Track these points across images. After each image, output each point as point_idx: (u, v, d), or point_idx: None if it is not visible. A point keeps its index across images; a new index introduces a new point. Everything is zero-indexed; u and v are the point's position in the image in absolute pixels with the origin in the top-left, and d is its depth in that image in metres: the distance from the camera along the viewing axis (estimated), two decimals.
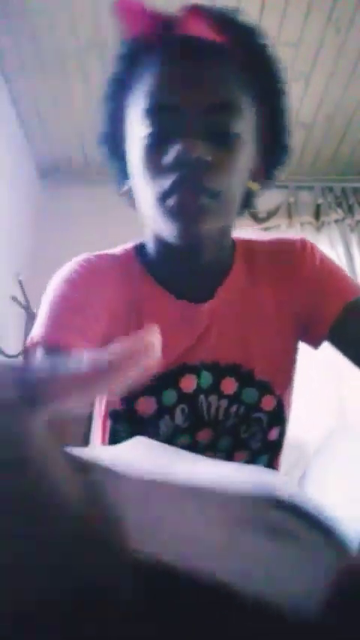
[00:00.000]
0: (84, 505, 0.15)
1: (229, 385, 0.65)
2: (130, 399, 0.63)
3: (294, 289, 0.67)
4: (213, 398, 0.65)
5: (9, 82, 2.02)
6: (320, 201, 2.44)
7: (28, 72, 1.98)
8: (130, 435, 0.51)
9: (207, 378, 0.65)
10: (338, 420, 1.95)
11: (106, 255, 0.68)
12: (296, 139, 2.12)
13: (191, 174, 0.52)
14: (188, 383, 0.64)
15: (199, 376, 0.64)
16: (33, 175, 2.46)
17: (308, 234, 2.21)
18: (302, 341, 0.70)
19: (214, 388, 0.65)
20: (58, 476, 0.15)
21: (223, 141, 0.54)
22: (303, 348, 0.71)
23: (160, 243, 0.62)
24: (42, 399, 0.15)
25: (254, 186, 0.63)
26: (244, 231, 0.73)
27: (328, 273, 0.68)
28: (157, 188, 0.54)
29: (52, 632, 0.13)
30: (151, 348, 0.21)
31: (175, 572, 0.15)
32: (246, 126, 0.56)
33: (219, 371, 0.65)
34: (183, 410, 0.64)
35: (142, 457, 0.25)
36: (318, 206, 2.44)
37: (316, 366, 1.63)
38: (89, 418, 0.60)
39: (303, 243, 0.69)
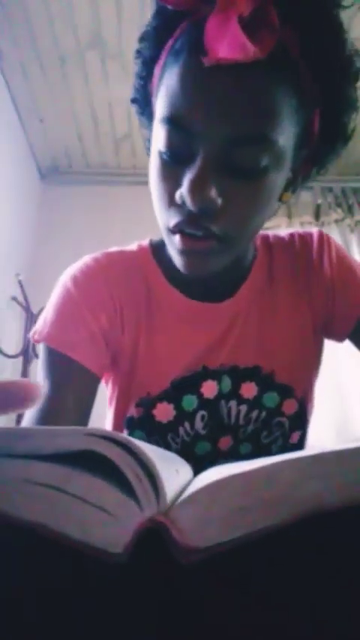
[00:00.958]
0: None
1: (249, 389, 0.63)
2: (147, 404, 0.61)
3: (314, 285, 0.65)
4: (233, 403, 0.63)
5: (9, 82, 2.02)
6: (320, 201, 2.44)
7: (28, 72, 1.98)
8: (148, 442, 0.50)
9: (227, 382, 0.62)
10: (339, 422, 1.95)
11: (119, 253, 0.65)
12: None
13: (196, 221, 0.47)
14: (210, 388, 0.62)
15: (220, 381, 0.62)
16: (33, 175, 2.46)
17: None
18: (326, 337, 0.68)
19: (234, 393, 0.63)
20: None
21: (246, 175, 0.45)
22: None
23: None
24: None
25: (286, 196, 0.55)
26: None
27: (347, 267, 0.65)
28: (164, 219, 0.50)
29: None
30: (31, 393, 0.24)
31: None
32: (282, 145, 0.46)
33: (238, 374, 0.63)
34: (203, 416, 0.62)
35: None
36: (318, 206, 2.44)
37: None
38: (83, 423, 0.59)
39: (320, 236, 0.67)
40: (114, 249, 0.66)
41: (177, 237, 0.49)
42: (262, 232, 0.67)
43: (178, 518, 0.20)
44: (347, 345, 0.68)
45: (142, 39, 0.51)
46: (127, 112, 2.13)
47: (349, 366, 2.00)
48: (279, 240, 0.68)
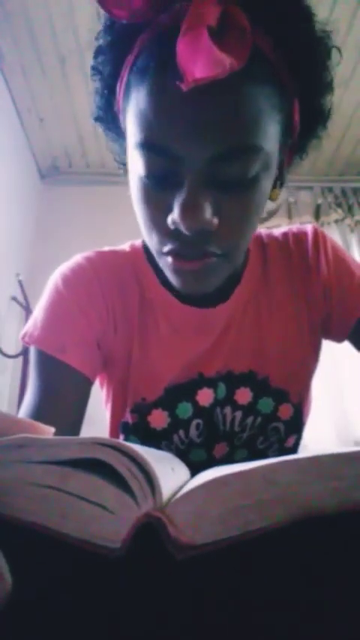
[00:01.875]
0: None
1: (244, 395, 0.61)
2: (142, 410, 0.60)
3: (311, 286, 0.63)
4: (228, 409, 0.61)
5: (9, 82, 2.02)
6: (320, 201, 2.44)
7: (28, 72, 1.98)
8: None
9: (222, 388, 0.61)
10: (339, 424, 1.95)
11: (112, 253, 0.63)
12: None
13: (192, 245, 0.45)
14: (205, 396, 0.60)
15: (215, 388, 0.60)
16: (33, 175, 2.46)
17: None
18: (324, 337, 0.66)
19: (228, 399, 0.61)
20: None
21: (237, 187, 0.43)
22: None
23: None
24: None
25: (275, 194, 0.53)
26: None
27: (344, 266, 0.64)
28: (155, 244, 0.48)
29: None
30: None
31: None
32: (268, 149, 0.43)
33: (233, 380, 0.61)
34: (198, 425, 0.60)
35: None
36: (318, 206, 2.44)
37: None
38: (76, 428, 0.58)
39: (315, 234, 0.65)
40: (106, 248, 0.64)
41: (169, 259, 0.47)
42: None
43: (175, 514, 0.20)
44: (347, 345, 0.67)
45: (97, 54, 0.47)
46: None
47: (349, 366, 2.00)
48: (273, 239, 0.66)
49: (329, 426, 1.92)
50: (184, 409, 0.60)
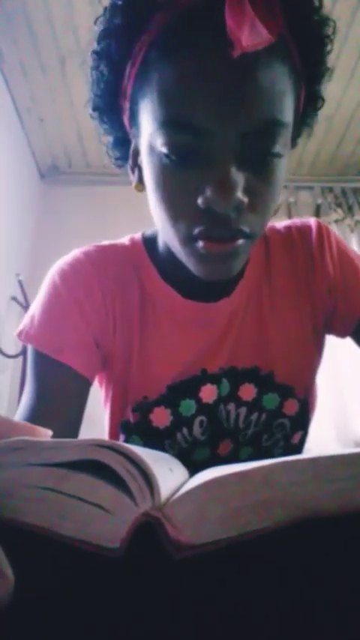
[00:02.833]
0: None
1: (248, 391, 0.60)
2: (144, 409, 0.58)
3: (315, 281, 0.62)
4: (231, 406, 0.60)
5: (9, 82, 2.02)
6: (320, 201, 2.44)
7: (28, 72, 1.98)
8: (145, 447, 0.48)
9: (225, 385, 0.60)
10: (339, 424, 1.95)
11: (111, 247, 0.62)
12: None
13: (225, 223, 0.44)
14: (209, 393, 0.59)
15: (219, 385, 0.59)
16: (33, 175, 2.46)
17: None
18: (327, 332, 0.65)
19: (232, 395, 0.60)
20: None
21: (262, 166, 0.44)
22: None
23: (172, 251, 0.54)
24: None
25: None
26: None
27: (349, 261, 0.63)
28: (182, 229, 0.46)
29: None
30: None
31: None
32: (289, 126, 0.45)
33: (236, 376, 0.60)
34: (202, 422, 0.59)
35: None
36: (318, 206, 2.44)
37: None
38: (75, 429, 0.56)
39: (319, 228, 0.64)
40: (106, 242, 0.63)
41: (201, 244, 0.46)
42: None
43: (173, 514, 0.20)
44: (347, 345, 0.67)
45: (102, 38, 0.46)
46: None
47: (349, 366, 2.00)
48: (275, 233, 0.65)
49: (329, 426, 1.92)
50: (188, 406, 0.58)
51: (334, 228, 2.35)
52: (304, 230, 0.64)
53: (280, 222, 0.67)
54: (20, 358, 2.02)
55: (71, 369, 0.54)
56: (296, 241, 0.63)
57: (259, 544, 0.20)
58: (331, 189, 2.48)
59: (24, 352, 2.03)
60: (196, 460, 0.61)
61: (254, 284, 0.61)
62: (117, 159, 0.58)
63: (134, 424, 0.59)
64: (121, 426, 0.61)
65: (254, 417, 0.61)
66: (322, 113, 0.54)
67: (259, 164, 0.44)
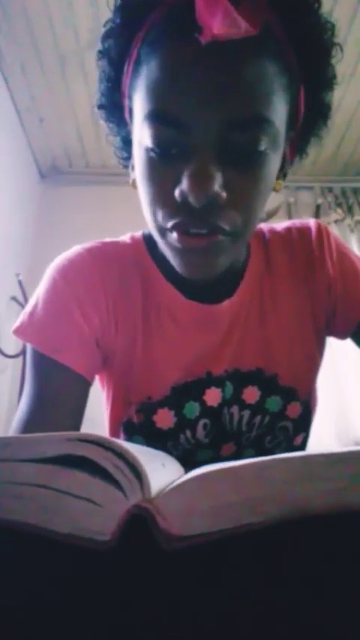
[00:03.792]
0: None
1: (252, 394, 0.60)
2: (148, 410, 0.58)
3: (315, 282, 0.61)
4: (235, 408, 0.60)
5: (9, 82, 2.02)
6: (320, 201, 2.44)
7: (28, 72, 1.98)
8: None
9: (229, 388, 0.59)
10: (339, 424, 1.95)
11: (113, 244, 0.61)
12: None
13: (201, 218, 0.43)
14: (213, 396, 0.58)
15: (223, 388, 0.59)
16: (33, 175, 2.46)
17: None
18: (327, 334, 0.65)
19: (236, 398, 0.59)
20: None
21: (246, 162, 0.43)
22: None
23: None
24: None
25: (279, 184, 0.52)
26: None
27: (349, 263, 0.63)
28: (159, 219, 0.46)
29: None
30: None
31: None
32: (278, 126, 0.44)
33: (240, 379, 0.59)
34: (205, 425, 0.58)
35: None
36: (318, 206, 2.44)
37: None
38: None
39: (318, 230, 0.63)
40: (107, 239, 0.61)
41: (175, 236, 0.45)
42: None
43: (164, 505, 0.20)
44: (346, 345, 0.67)
45: (105, 38, 0.47)
46: None
47: (349, 366, 2.00)
48: (275, 234, 0.64)
49: (329, 426, 1.92)
50: (192, 409, 0.58)
51: (334, 229, 2.36)
52: (303, 231, 0.64)
53: (279, 224, 0.67)
54: (20, 358, 2.02)
55: (71, 370, 0.53)
56: (296, 242, 0.63)
57: (251, 539, 0.20)
58: (331, 189, 2.48)
59: (24, 352, 2.03)
60: (199, 461, 0.60)
61: (255, 285, 0.60)
62: (124, 159, 0.57)
63: (138, 425, 0.58)
64: (123, 426, 0.60)
65: (257, 419, 0.60)
66: None
67: (243, 161, 0.43)
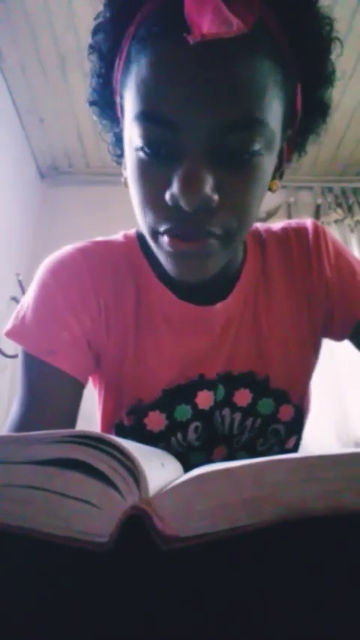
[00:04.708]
0: None
1: (243, 397, 0.59)
2: (139, 412, 0.57)
3: (312, 284, 0.60)
4: (226, 411, 0.59)
5: (9, 82, 2.02)
6: (320, 201, 2.44)
7: (28, 72, 1.98)
8: None
9: (221, 390, 0.58)
10: (339, 424, 1.95)
11: (106, 243, 0.60)
12: None
13: (192, 222, 0.42)
14: (205, 399, 0.57)
15: (215, 391, 0.58)
16: (33, 175, 2.46)
17: None
18: (324, 336, 0.64)
19: (227, 400, 0.59)
20: None
21: (239, 164, 0.42)
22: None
23: None
24: None
25: (275, 184, 0.51)
26: None
27: (346, 264, 0.62)
28: (151, 222, 0.45)
29: None
30: None
31: None
32: (272, 126, 0.42)
33: (232, 381, 0.58)
34: (197, 428, 0.58)
35: None
36: (318, 206, 2.44)
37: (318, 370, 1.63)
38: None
39: (315, 231, 0.62)
40: (99, 238, 0.60)
41: (166, 239, 0.44)
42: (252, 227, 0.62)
43: (162, 506, 0.20)
44: (346, 345, 0.67)
45: (96, 31, 0.46)
46: None
47: (348, 366, 2.00)
48: (271, 234, 0.63)
49: (329, 426, 1.92)
50: (183, 412, 0.57)
51: (334, 229, 2.36)
52: (300, 231, 0.63)
53: (275, 224, 0.66)
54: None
55: (63, 372, 0.53)
56: (293, 242, 0.62)
57: (248, 540, 0.20)
58: (331, 189, 2.48)
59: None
60: (191, 465, 0.59)
61: (251, 286, 0.59)
62: (118, 156, 0.56)
63: (128, 427, 0.58)
64: (115, 428, 0.60)
65: (249, 422, 0.59)
66: None
67: (236, 162, 0.41)
